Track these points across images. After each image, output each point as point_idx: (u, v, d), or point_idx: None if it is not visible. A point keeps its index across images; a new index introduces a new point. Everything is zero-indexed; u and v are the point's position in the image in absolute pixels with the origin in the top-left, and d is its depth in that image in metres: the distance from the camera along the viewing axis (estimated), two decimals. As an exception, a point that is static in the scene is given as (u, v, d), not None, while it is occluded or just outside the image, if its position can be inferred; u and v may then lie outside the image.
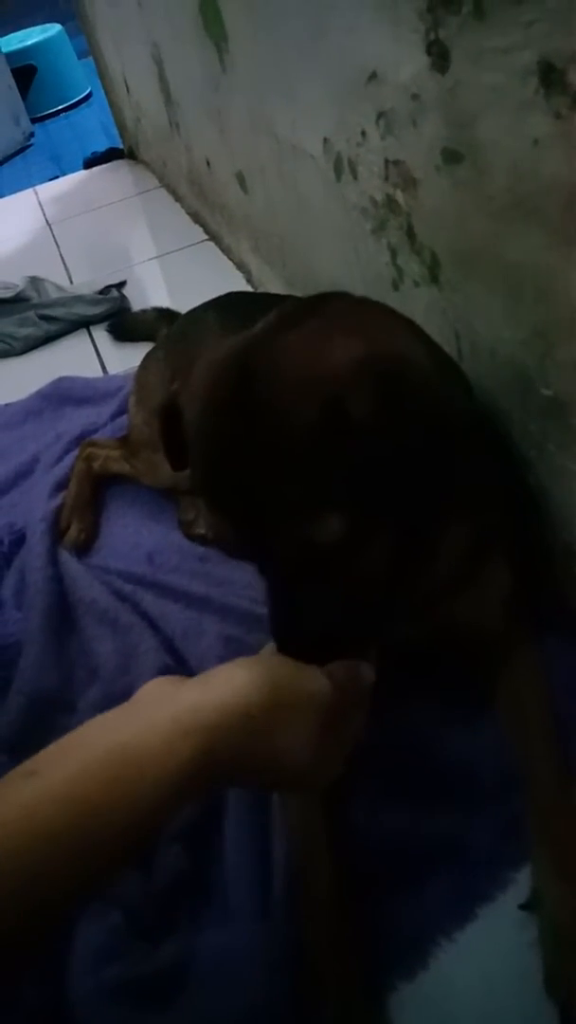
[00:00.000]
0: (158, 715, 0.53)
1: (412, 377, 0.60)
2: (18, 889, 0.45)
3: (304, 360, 0.59)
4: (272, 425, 0.58)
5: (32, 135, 3.95)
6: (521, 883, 0.72)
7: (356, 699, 0.62)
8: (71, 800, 0.47)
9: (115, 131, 2.96)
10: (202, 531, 1.17)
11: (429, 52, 0.70)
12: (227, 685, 0.55)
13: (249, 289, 1.78)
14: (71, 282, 2.10)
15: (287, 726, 0.56)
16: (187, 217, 2.25)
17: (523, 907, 0.71)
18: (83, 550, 1.23)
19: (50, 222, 2.56)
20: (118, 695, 0.97)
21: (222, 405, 0.61)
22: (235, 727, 0.53)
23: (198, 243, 2.11)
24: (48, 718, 1.00)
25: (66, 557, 1.20)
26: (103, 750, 0.51)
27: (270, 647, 0.64)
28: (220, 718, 0.52)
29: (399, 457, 0.58)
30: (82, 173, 2.92)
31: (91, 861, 0.48)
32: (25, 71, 3.99)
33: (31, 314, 1.90)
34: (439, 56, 0.69)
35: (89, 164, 2.93)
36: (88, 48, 2.86)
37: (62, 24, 4.08)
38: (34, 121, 4.03)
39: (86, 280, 2.04)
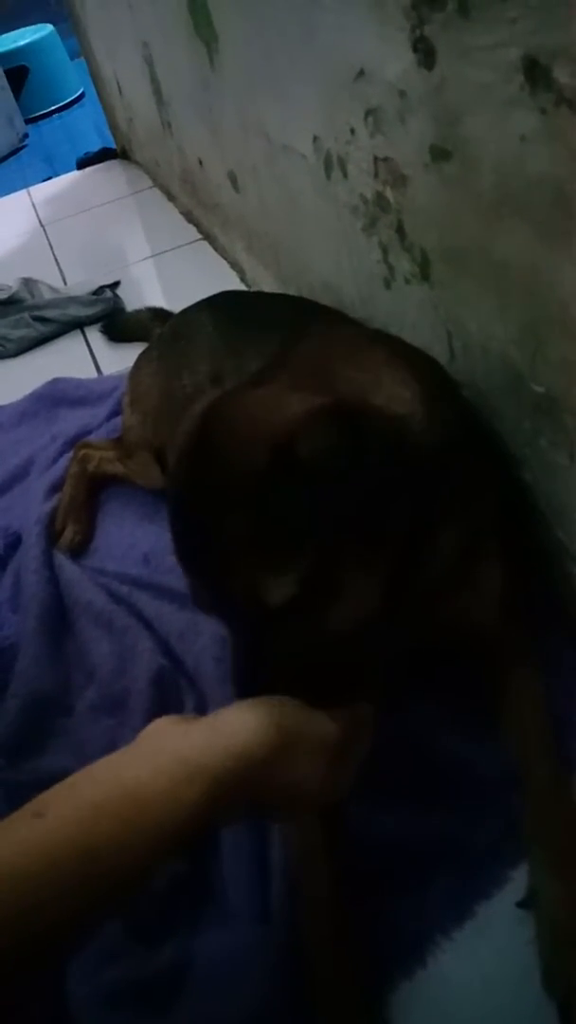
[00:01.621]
0: (164, 757, 0.53)
1: (374, 423, 0.59)
2: (16, 922, 0.45)
3: (259, 413, 0.60)
4: (224, 475, 0.58)
5: (26, 136, 3.95)
6: (519, 881, 0.72)
7: (360, 740, 0.63)
8: (78, 843, 0.48)
9: (108, 131, 2.95)
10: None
11: (415, 49, 0.70)
12: (234, 729, 0.55)
13: (243, 288, 1.78)
14: (65, 283, 2.10)
15: (293, 769, 0.56)
16: (180, 217, 2.25)
17: (520, 905, 0.71)
18: (78, 552, 1.23)
19: (44, 223, 2.56)
20: (115, 697, 0.97)
21: (185, 458, 0.62)
22: (242, 772, 0.53)
23: (192, 243, 2.11)
24: (45, 721, 1.00)
25: (62, 559, 1.20)
26: (110, 792, 0.51)
27: None
28: (227, 763, 0.52)
29: (359, 505, 0.57)
30: (75, 174, 2.91)
31: (92, 900, 0.48)
32: (17, 72, 3.98)
33: (25, 316, 1.89)
34: (425, 53, 0.69)
35: (82, 164, 2.92)
36: (80, 49, 2.85)
37: (54, 25, 4.07)
38: (27, 122, 4.02)
39: (80, 281, 2.04)
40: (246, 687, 0.62)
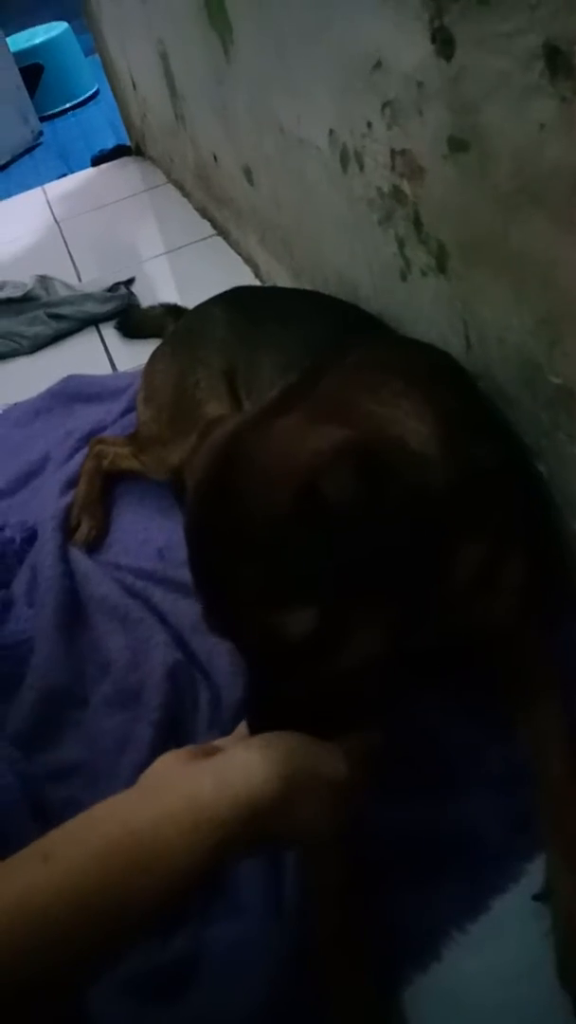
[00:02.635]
0: (172, 803, 0.53)
1: (397, 464, 0.59)
2: (22, 963, 0.46)
3: (283, 448, 0.60)
4: (246, 513, 0.58)
5: (41, 134, 3.96)
6: (533, 874, 0.72)
7: (365, 773, 0.62)
8: (84, 889, 0.48)
9: (122, 128, 2.95)
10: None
11: (433, 39, 0.70)
12: (243, 775, 0.54)
13: (257, 283, 1.78)
14: (80, 280, 2.10)
15: (303, 810, 0.56)
16: (195, 212, 2.25)
17: (536, 898, 0.70)
18: (93, 547, 1.23)
19: (59, 220, 2.57)
20: (130, 690, 0.98)
21: (205, 488, 0.62)
22: (249, 819, 0.52)
23: (206, 238, 2.11)
24: (60, 713, 1.00)
25: (77, 554, 1.20)
26: (118, 837, 0.51)
27: None
28: (235, 811, 0.52)
29: (377, 548, 0.57)
30: (90, 171, 2.92)
31: (98, 945, 0.49)
32: (33, 70, 3.99)
33: (40, 313, 1.90)
34: (443, 43, 0.68)
35: (97, 161, 2.93)
36: (94, 45, 2.86)
37: (68, 22, 4.08)
38: (42, 120, 4.03)
39: (95, 278, 2.04)
40: (259, 722, 0.62)
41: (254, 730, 0.62)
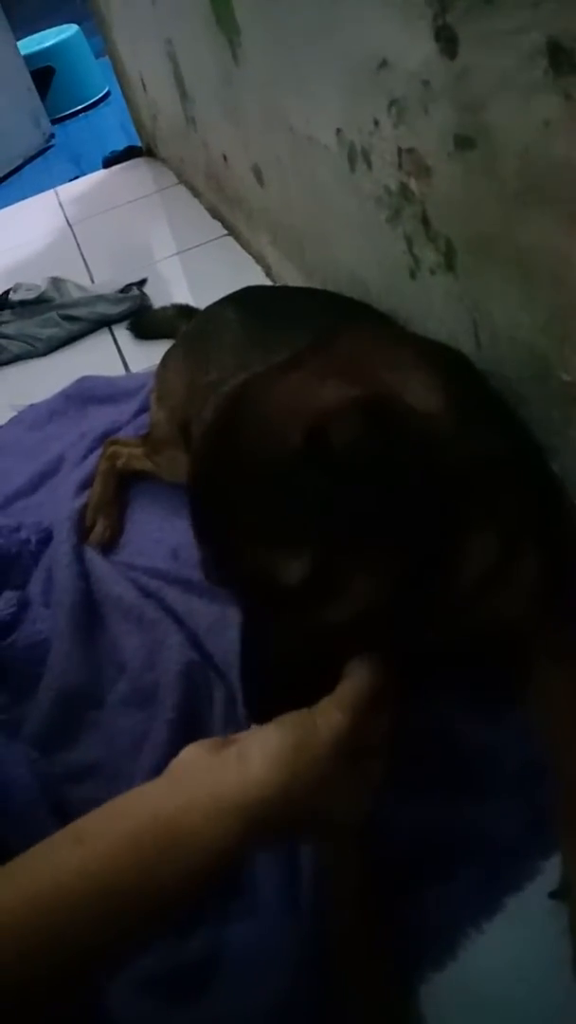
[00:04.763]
0: (199, 792, 0.54)
1: (406, 423, 0.58)
2: (51, 945, 0.47)
3: (294, 396, 0.60)
4: (251, 454, 0.59)
5: (52, 136, 3.98)
6: (549, 872, 0.72)
7: (366, 712, 0.60)
8: (114, 872, 0.50)
9: (133, 129, 2.96)
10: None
11: (437, 38, 0.70)
12: (262, 760, 0.55)
13: (268, 283, 1.78)
14: (92, 281, 2.11)
15: (320, 783, 0.56)
16: (206, 213, 2.25)
17: (553, 895, 0.70)
18: (108, 547, 1.24)
19: (71, 222, 2.58)
20: (145, 690, 0.99)
21: (213, 434, 0.63)
22: (274, 802, 0.54)
23: (217, 238, 2.11)
24: (78, 713, 1.01)
25: (92, 555, 1.21)
26: (146, 824, 0.52)
27: None
28: (259, 796, 0.53)
29: (381, 503, 0.57)
30: (102, 172, 2.93)
31: (125, 928, 0.50)
32: (44, 73, 4.01)
33: (53, 315, 1.91)
34: (447, 41, 0.68)
35: (108, 163, 2.94)
36: (105, 47, 2.87)
37: (79, 24, 4.09)
38: (54, 122, 4.05)
39: (107, 279, 2.05)
40: (253, 685, 0.63)
41: (248, 699, 0.63)
